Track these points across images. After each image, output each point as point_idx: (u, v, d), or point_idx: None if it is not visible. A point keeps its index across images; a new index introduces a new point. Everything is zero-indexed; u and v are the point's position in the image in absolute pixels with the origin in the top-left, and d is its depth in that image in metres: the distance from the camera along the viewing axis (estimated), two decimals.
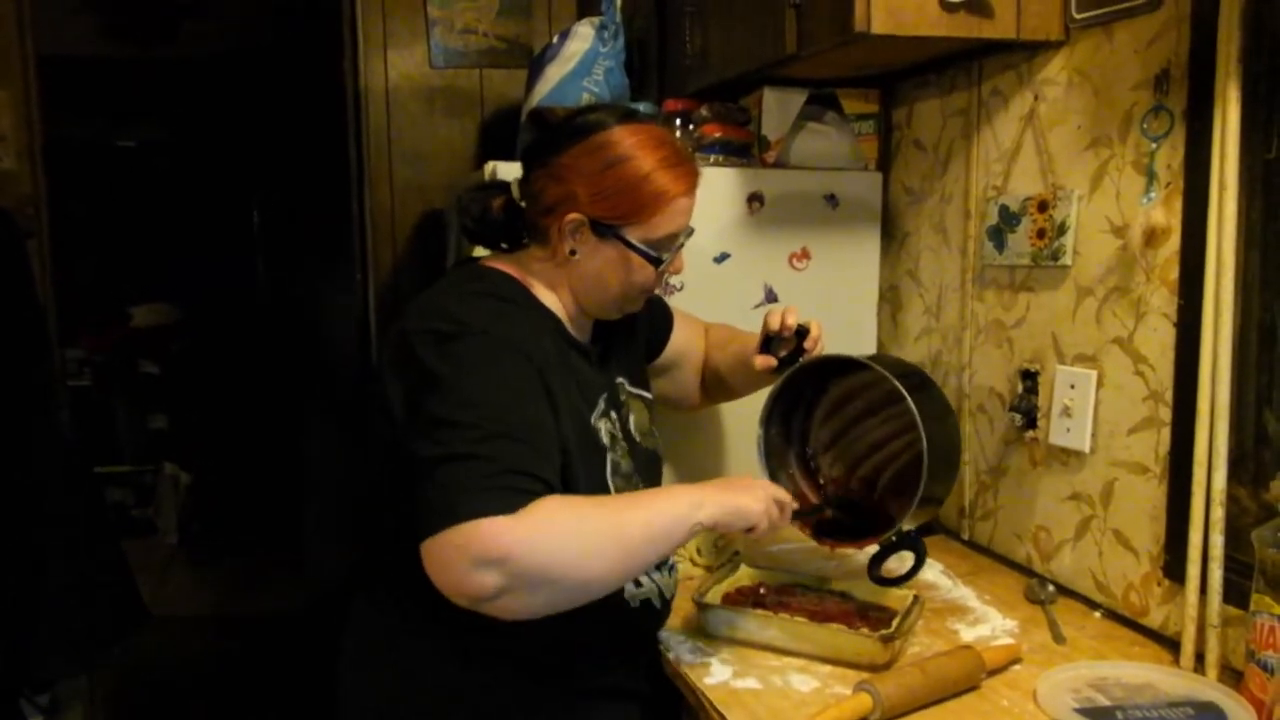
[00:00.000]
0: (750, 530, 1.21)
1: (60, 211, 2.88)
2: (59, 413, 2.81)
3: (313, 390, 3.98)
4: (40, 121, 2.70)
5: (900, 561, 1.38)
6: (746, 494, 1.21)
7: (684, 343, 1.64)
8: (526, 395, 1.15)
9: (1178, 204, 1.32)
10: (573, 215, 1.25)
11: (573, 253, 1.28)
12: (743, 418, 1.69)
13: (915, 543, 1.36)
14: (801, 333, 1.44)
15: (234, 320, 5.54)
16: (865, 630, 1.29)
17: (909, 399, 1.31)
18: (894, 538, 1.36)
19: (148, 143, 5.80)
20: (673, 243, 1.31)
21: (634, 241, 1.27)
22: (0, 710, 2.55)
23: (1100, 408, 1.47)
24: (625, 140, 1.25)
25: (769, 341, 1.47)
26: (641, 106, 2.02)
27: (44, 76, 2.74)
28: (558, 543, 1.05)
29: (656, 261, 1.29)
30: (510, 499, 1.03)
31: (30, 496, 2.60)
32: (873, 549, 1.40)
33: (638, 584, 1.31)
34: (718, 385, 1.67)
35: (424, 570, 1.24)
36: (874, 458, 1.51)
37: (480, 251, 1.45)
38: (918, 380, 1.43)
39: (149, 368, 5.41)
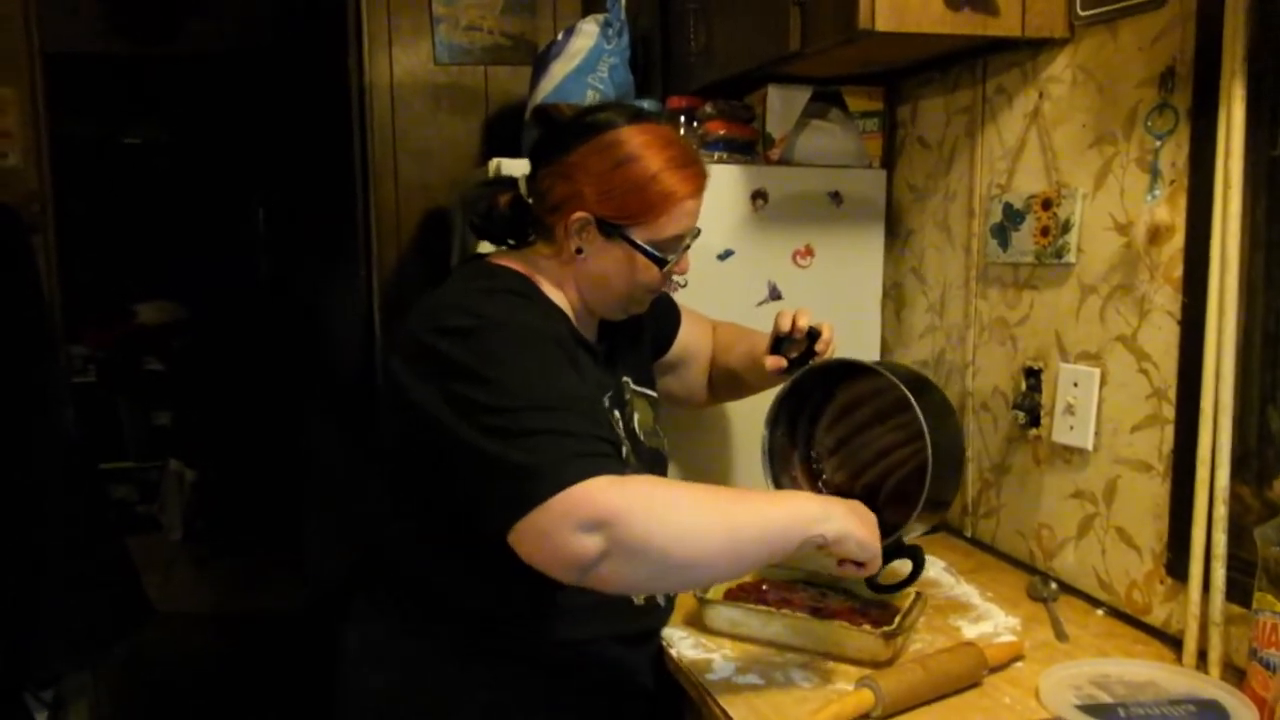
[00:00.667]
0: (860, 566, 1.19)
1: (65, 208, 2.89)
2: (63, 409, 2.81)
3: (316, 388, 3.99)
4: (46, 119, 2.71)
5: (899, 568, 1.37)
6: (871, 529, 1.18)
7: (691, 340, 1.64)
8: (565, 372, 1.15)
9: (1182, 202, 1.31)
10: (579, 214, 1.25)
11: (579, 251, 1.28)
12: (749, 418, 1.69)
13: (914, 551, 1.36)
14: (813, 335, 1.44)
15: (238, 318, 5.55)
16: (867, 627, 1.28)
17: (916, 408, 1.31)
18: (894, 546, 1.35)
19: (152, 140, 5.81)
20: (679, 243, 1.31)
21: (639, 242, 1.27)
22: (5, 705, 2.56)
23: (1104, 405, 1.47)
24: (633, 140, 1.25)
25: (779, 342, 1.47)
26: (646, 104, 2.02)
27: (49, 74, 2.75)
28: (663, 512, 1.03)
29: (661, 263, 1.29)
30: (604, 464, 1.03)
31: (32, 493, 2.60)
32: None
33: None
34: (726, 383, 1.66)
35: (424, 568, 1.25)
36: (878, 465, 1.50)
37: (485, 248, 1.46)
38: (920, 385, 1.43)
39: (153, 365, 5.42)
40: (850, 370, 1.47)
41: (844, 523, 1.14)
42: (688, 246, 1.33)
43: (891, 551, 1.34)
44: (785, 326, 1.46)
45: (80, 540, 2.75)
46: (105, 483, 3.63)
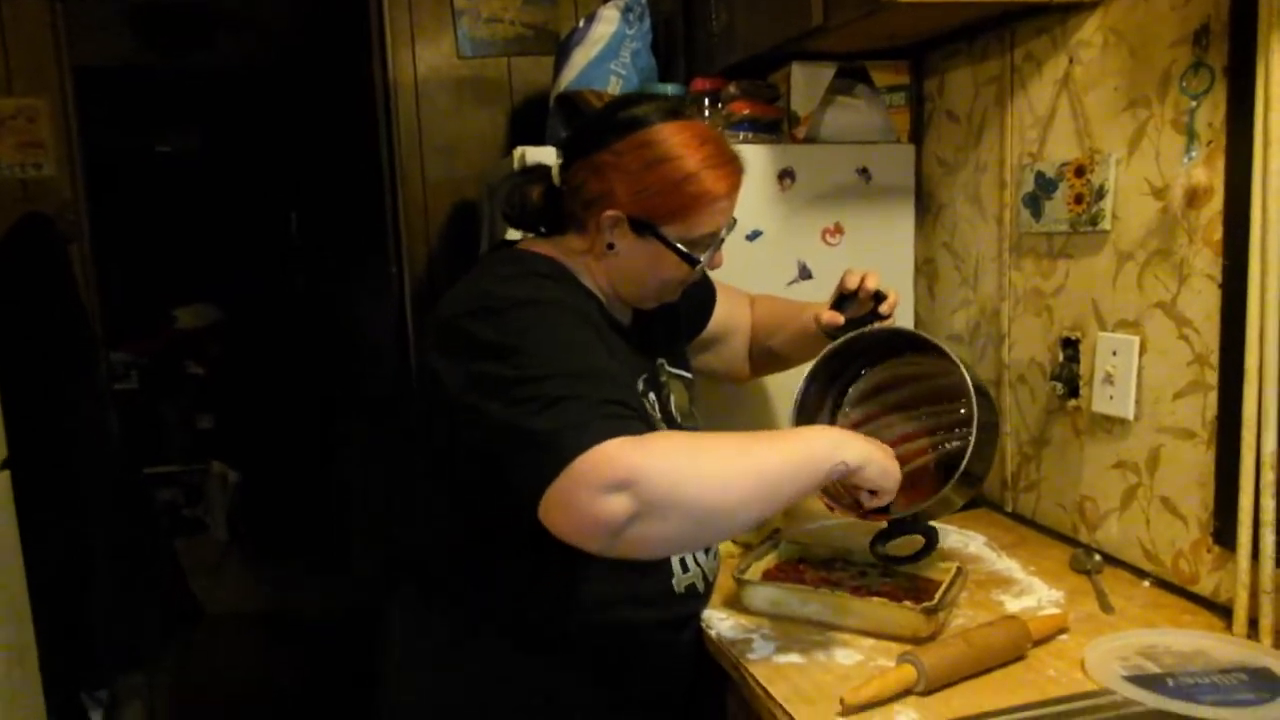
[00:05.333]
0: (874, 495, 1.19)
1: (102, 218, 2.94)
2: (106, 414, 2.86)
3: (353, 387, 4.03)
4: (78, 129, 2.75)
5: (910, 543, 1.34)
6: (890, 457, 1.18)
7: (728, 317, 1.63)
8: (591, 344, 1.14)
9: (1220, 162, 1.28)
10: (611, 212, 1.25)
11: (610, 246, 1.27)
12: (786, 399, 1.68)
13: (928, 528, 1.33)
14: (879, 298, 1.43)
15: (274, 319, 5.62)
16: (908, 603, 1.27)
17: (973, 394, 1.29)
18: (907, 519, 1.32)
19: (185, 148, 5.88)
20: (712, 240, 1.29)
21: (672, 240, 1.26)
22: (62, 706, 2.61)
23: (1144, 373, 1.44)
24: (670, 138, 1.24)
25: (842, 300, 1.45)
26: (669, 88, 2.02)
27: (81, 86, 2.79)
28: (688, 465, 1.01)
29: (693, 261, 1.28)
30: (624, 425, 1.01)
31: (78, 498, 2.65)
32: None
33: (685, 568, 1.31)
34: (768, 357, 1.65)
35: (459, 558, 1.25)
36: (899, 450, 1.47)
37: (515, 235, 1.46)
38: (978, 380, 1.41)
39: (194, 369, 5.50)
40: (907, 345, 1.45)
41: (865, 449, 1.14)
42: (722, 241, 1.32)
43: (902, 525, 1.32)
44: (852, 285, 1.44)
45: (127, 544, 2.80)
46: (150, 487, 3.70)
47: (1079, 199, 1.53)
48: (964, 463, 1.29)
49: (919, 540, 1.33)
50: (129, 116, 5.39)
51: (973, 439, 1.29)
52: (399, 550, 1.40)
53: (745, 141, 1.87)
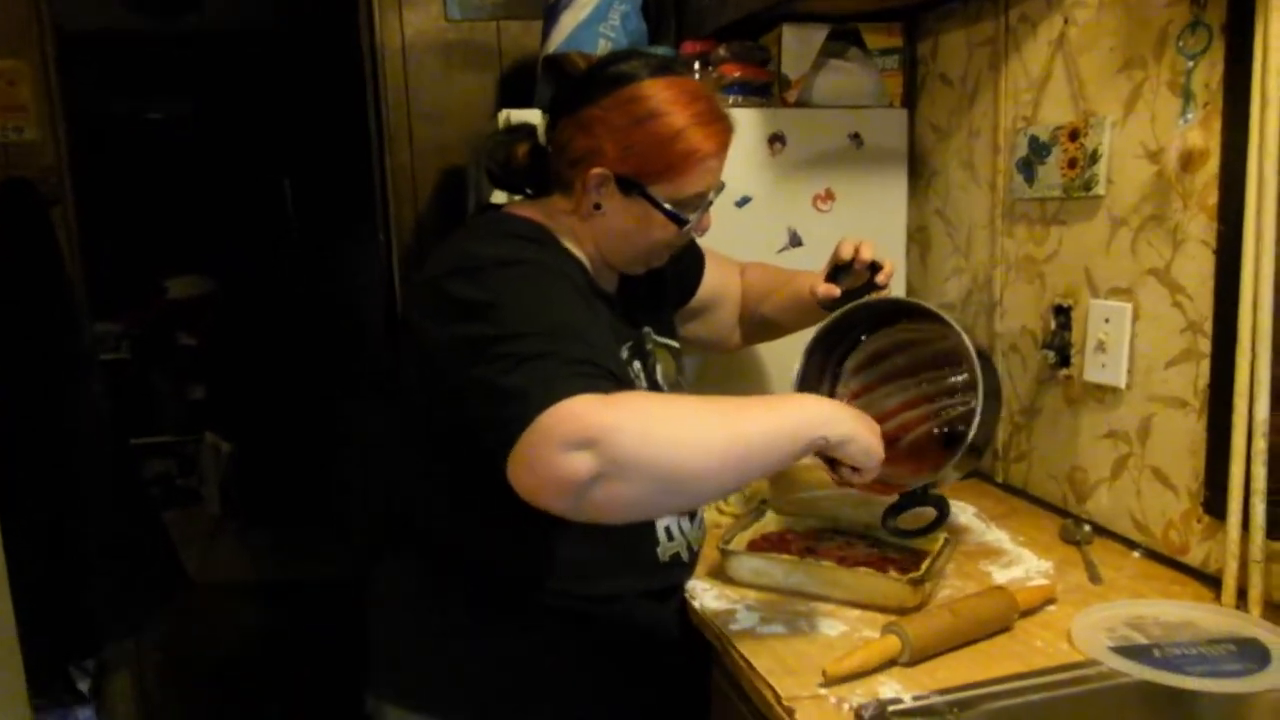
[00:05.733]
0: (855, 471, 1.14)
1: (92, 187, 2.89)
2: (90, 384, 2.83)
3: (346, 354, 4.01)
4: (60, 91, 2.70)
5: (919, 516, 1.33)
6: (875, 434, 1.13)
7: (717, 285, 1.60)
8: (576, 307, 1.11)
9: (1216, 124, 1.25)
10: (598, 170, 1.22)
11: (597, 206, 1.24)
12: (778, 366, 1.66)
13: (939, 500, 1.30)
14: (874, 268, 1.40)
15: (267, 288, 5.58)
16: (894, 574, 1.26)
17: (976, 361, 1.27)
18: (918, 491, 1.29)
19: (175, 115, 5.82)
20: (700, 201, 1.26)
21: (660, 200, 1.23)
22: (49, 675, 2.60)
23: (1136, 341, 1.42)
24: (658, 95, 1.20)
25: (836, 271, 1.42)
26: (660, 51, 1.97)
27: (67, 50, 2.74)
28: (657, 425, 0.97)
29: (681, 222, 1.25)
30: (594, 384, 0.98)
31: (62, 469, 2.63)
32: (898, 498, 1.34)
33: (670, 537, 1.29)
34: (759, 324, 1.62)
35: (447, 524, 1.24)
36: (901, 418, 1.45)
37: (500, 199, 1.43)
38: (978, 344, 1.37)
39: (185, 340, 5.46)
40: (904, 314, 1.43)
41: (850, 426, 1.10)
42: (710, 203, 1.29)
43: (914, 497, 1.30)
44: (847, 255, 1.40)
45: (113, 514, 2.78)
46: (137, 458, 3.68)
47: (1073, 163, 1.50)
48: (970, 434, 1.26)
49: (930, 513, 1.30)
50: (119, 83, 5.33)
51: (979, 411, 1.26)
52: (386, 520, 1.38)
53: (735, 105, 1.83)
